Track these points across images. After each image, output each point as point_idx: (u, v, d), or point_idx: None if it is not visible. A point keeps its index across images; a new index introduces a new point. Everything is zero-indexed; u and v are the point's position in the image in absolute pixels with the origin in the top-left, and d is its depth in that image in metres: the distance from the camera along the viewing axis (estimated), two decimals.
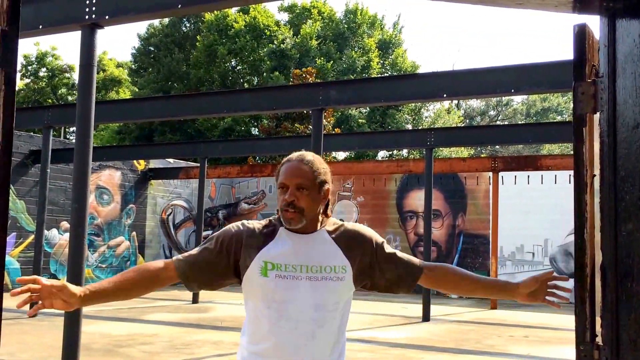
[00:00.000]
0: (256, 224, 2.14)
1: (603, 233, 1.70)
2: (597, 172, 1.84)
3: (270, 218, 2.18)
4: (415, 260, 2.24)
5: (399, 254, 2.23)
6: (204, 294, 14.36)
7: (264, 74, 24.77)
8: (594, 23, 1.80)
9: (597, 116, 1.81)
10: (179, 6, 5.37)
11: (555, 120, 33.69)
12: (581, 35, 1.87)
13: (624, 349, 1.60)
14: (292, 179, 2.07)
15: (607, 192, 1.68)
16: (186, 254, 2.11)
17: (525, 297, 2.20)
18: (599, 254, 1.76)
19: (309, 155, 2.16)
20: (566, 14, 1.79)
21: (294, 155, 2.15)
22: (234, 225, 2.13)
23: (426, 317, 11.43)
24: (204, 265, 2.07)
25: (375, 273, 2.17)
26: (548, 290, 2.22)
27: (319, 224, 2.14)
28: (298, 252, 2.08)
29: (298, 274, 2.05)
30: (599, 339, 1.76)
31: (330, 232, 2.14)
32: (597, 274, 1.82)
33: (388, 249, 2.21)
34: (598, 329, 1.76)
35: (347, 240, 2.14)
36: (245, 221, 2.16)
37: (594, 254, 1.85)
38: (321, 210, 2.13)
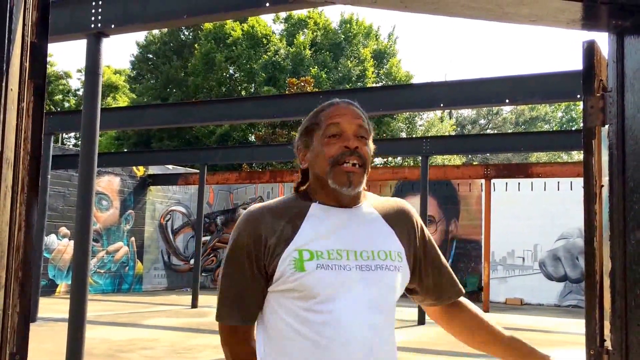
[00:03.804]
0: (273, 206, 1.56)
1: (612, 242, 1.75)
2: (604, 182, 1.90)
3: (293, 194, 1.63)
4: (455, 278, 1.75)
5: (441, 255, 1.74)
6: (202, 298, 14.39)
7: (259, 86, 24.94)
8: (602, 39, 1.88)
9: (605, 128, 1.88)
10: (185, 16, 5.46)
11: (543, 129, 34.09)
12: (590, 51, 1.94)
13: (633, 353, 1.66)
14: (351, 121, 1.54)
15: (616, 202, 1.74)
16: (230, 303, 1.54)
17: None
18: (608, 262, 1.82)
19: None
20: (569, 29, 1.87)
21: (337, 99, 1.63)
22: (241, 232, 1.52)
23: (421, 320, 11.62)
24: (253, 296, 1.53)
25: (421, 272, 1.66)
26: None
27: (362, 195, 1.61)
28: (341, 231, 1.52)
29: (345, 262, 1.48)
30: (607, 343, 1.82)
31: (375, 206, 1.61)
32: (605, 280, 1.88)
33: (434, 243, 1.71)
34: (606, 333, 1.82)
35: (395, 218, 1.61)
36: (253, 211, 1.55)
37: (602, 261, 1.91)
38: None
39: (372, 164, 1.60)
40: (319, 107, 1.63)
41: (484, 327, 1.72)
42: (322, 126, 1.56)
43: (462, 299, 1.76)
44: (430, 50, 70.01)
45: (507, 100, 8.06)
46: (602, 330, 1.85)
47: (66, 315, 5.40)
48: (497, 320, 10.78)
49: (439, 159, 26.57)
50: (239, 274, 1.51)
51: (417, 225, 1.65)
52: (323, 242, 1.49)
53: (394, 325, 1.58)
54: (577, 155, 28.96)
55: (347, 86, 24.88)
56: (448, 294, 1.71)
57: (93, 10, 5.60)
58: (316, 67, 25.12)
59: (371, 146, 1.59)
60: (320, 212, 1.54)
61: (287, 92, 21.83)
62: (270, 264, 1.49)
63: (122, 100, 29.09)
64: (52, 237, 15.22)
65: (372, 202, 1.62)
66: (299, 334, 1.46)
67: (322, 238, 1.50)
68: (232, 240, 1.55)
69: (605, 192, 1.86)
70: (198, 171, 15.44)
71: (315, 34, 27.39)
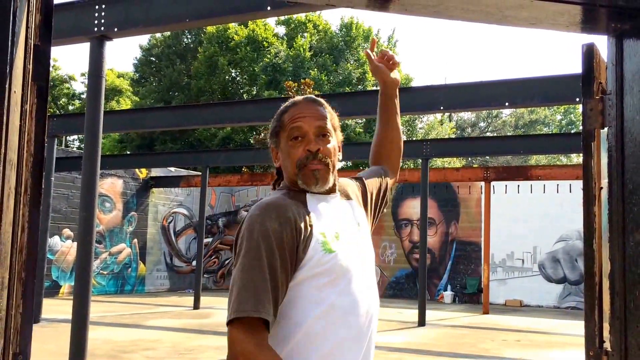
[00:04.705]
0: (284, 197, 1.59)
1: (612, 243, 1.76)
2: (603, 184, 1.91)
3: (278, 191, 1.66)
4: (376, 168, 2.01)
5: (367, 174, 1.95)
6: (204, 300, 14.41)
7: (260, 89, 25.00)
8: (601, 42, 1.89)
9: (604, 131, 1.88)
10: (187, 20, 5.47)
11: (542, 132, 34.14)
12: (589, 54, 1.95)
13: (632, 355, 1.67)
14: (311, 122, 1.61)
15: (616, 204, 1.74)
16: (262, 298, 1.41)
17: (384, 77, 2.22)
18: (607, 263, 1.82)
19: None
20: (569, 33, 1.88)
21: (298, 97, 1.69)
22: (266, 219, 1.48)
23: (422, 322, 11.60)
24: (282, 290, 1.47)
25: (375, 206, 1.90)
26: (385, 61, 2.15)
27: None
28: (337, 215, 1.63)
29: (349, 240, 1.60)
30: (606, 345, 1.82)
31: (340, 190, 1.74)
32: (604, 282, 1.88)
33: (367, 179, 1.91)
34: (606, 334, 1.83)
35: (351, 193, 1.79)
36: (272, 200, 1.55)
37: (601, 263, 1.91)
38: None
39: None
40: (282, 107, 1.68)
41: (381, 129, 2.15)
42: (285, 128, 1.62)
43: (375, 152, 2.10)
44: (430, 54, 70.06)
45: (506, 103, 8.08)
46: (601, 331, 1.86)
47: (69, 316, 5.42)
48: (496, 321, 10.82)
49: (438, 162, 26.60)
50: (267, 264, 1.43)
51: (357, 186, 1.84)
52: (332, 225, 1.58)
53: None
54: (576, 158, 28.92)
55: (347, 89, 24.90)
56: (382, 166, 2.03)
57: (96, 14, 5.62)
58: (316, 69, 25.16)
59: (338, 137, 1.70)
60: (316, 201, 1.61)
61: (284, 95, 21.86)
62: (303, 248, 1.49)
63: (126, 104, 29.17)
64: (56, 238, 15.26)
65: (339, 188, 1.75)
66: (335, 316, 1.49)
67: (329, 222, 1.58)
68: (257, 230, 1.46)
69: (604, 194, 1.87)
70: (200, 173, 15.46)
71: (313, 37, 27.43)
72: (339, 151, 1.69)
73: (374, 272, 1.69)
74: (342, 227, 1.61)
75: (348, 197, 1.74)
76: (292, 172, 1.61)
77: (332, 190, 1.67)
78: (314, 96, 1.70)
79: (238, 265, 1.46)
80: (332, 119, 1.67)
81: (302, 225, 1.51)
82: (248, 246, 1.45)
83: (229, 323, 1.40)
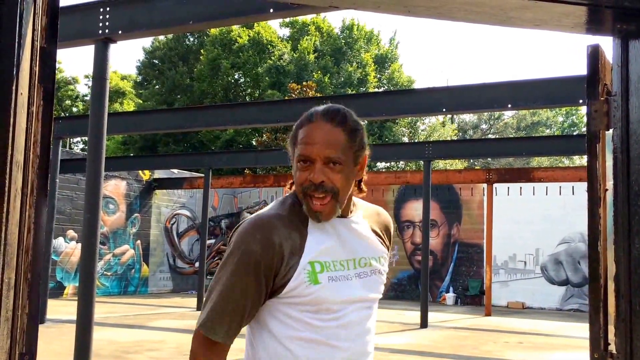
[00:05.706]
0: (280, 214, 1.53)
1: (617, 246, 1.75)
2: (609, 186, 1.91)
3: (288, 197, 1.60)
4: None
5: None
6: None
7: (263, 91, 25.06)
8: (606, 43, 1.88)
9: (609, 132, 1.88)
10: (190, 22, 5.49)
11: (544, 134, 34.09)
12: (594, 55, 1.94)
13: (638, 357, 1.66)
14: (320, 150, 1.49)
15: (621, 206, 1.74)
16: (224, 319, 1.47)
17: None
18: (612, 265, 1.82)
19: (340, 109, 1.56)
20: (573, 34, 1.87)
21: (319, 110, 1.55)
22: (251, 239, 1.47)
23: (424, 323, 11.59)
24: (250, 315, 1.52)
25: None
26: None
27: (352, 205, 1.63)
28: (341, 241, 1.57)
29: (346, 272, 1.54)
30: (611, 347, 1.82)
31: (365, 216, 1.67)
32: (609, 284, 1.88)
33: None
34: (610, 337, 1.83)
35: (380, 226, 1.71)
36: (263, 218, 1.51)
37: (606, 265, 1.91)
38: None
39: (375, 169, 1.63)
40: (303, 117, 1.58)
41: None
42: (297, 145, 1.53)
43: None
44: (432, 55, 70.05)
45: (509, 105, 8.07)
46: (606, 334, 1.85)
47: (74, 317, 5.43)
48: (498, 323, 10.83)
49: (441, 164, 26.59)
50: (241, 288, 1.46)
51: (390, 240, 1.75)
52: (329, 252, 1.53)
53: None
54: (579, 160, 28.86)
55: (349, 90, 24.91)
56: None
57: (101, 17, 5.64)
58: (319, 71, 25.18)
59: (360, 157, 1.57)
60: (319, 223, 1.55)
61: (287, 97, 21.89)
62: (284, 276, 1.48)
63: (129, 106, 29.24)
64: (60, 240, 15.31)
65: (362, 212, 1.67)
66: (311, 340, 1.50)
67: (327, 248, 1.53)
68: (238, 248, 1.48)
69: (609, 196, 1.86)
70: (203, 175, 15.49)
71: (315, 38, 27.45)
72: (360, 169, 1.59)
73: (372, 310, 1.63)
74: (345, 256, 1.56)
75: (375, 225, 1.69)
76: (298, 193, 1.54)
77: (346, 212, 1.60)
78: (335, 109, 1.55)
79: (216, 276, 1.51)
80: (355, 138, 1.53)
81: (288, 251, 1.48)
82: (228, 261, 1.49)
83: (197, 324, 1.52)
